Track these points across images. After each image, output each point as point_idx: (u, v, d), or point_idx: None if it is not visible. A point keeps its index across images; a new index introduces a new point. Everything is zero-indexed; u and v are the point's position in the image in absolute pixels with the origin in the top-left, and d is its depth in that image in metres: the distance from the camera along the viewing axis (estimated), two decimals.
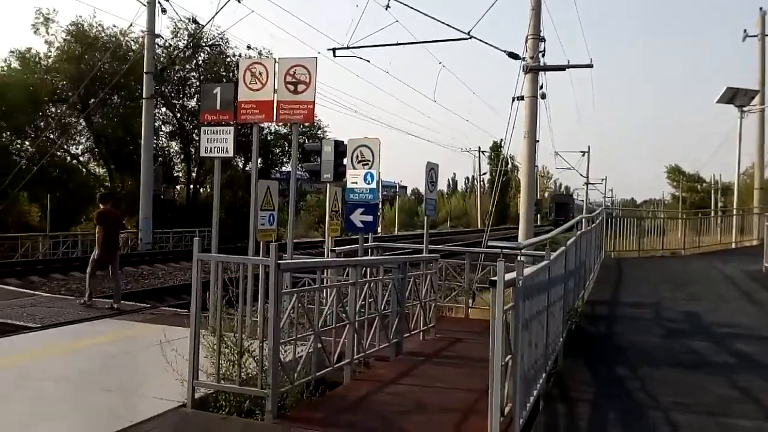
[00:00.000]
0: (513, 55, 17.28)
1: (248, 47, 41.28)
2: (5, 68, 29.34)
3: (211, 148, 7.14)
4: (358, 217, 6.88)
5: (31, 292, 10.85)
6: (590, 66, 17.00)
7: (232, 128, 7.07)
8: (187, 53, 32.19)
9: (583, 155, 64.86)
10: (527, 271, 4.07)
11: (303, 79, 6.64)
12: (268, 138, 39.65)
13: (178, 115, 35.77)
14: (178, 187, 37.91)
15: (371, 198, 6.90)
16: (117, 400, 4.62)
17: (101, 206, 10.21)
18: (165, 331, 7.10)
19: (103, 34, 30.59)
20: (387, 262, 6.56)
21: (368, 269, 6.00)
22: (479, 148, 74.37)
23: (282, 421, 4.19)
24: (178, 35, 32.09)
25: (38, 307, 9.03)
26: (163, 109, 34.44)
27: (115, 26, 32.20)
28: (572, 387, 5.32)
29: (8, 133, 28.00)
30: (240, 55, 36.06)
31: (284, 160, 41.02)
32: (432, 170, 8.07)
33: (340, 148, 9.18)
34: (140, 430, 3.98)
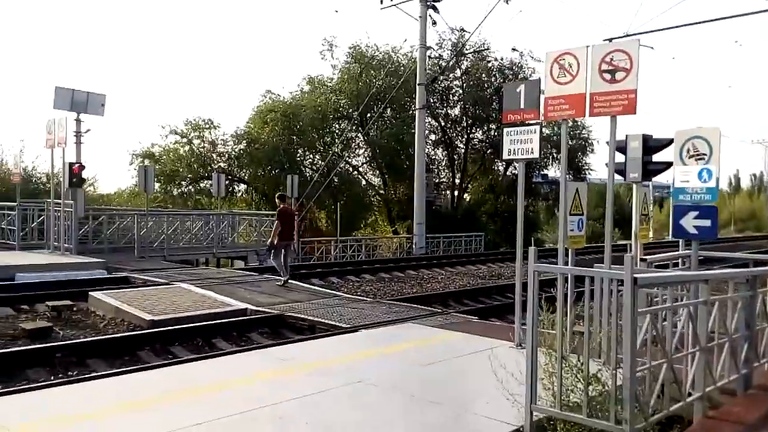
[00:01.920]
0: None
1: (513, 49, 40.88)
2: (299, 92, 33.62)
3: (514, 150, 6.75)
4: (690, 222, 5.83)
5: (334, 292, 11.77)
6: None
7: (537, 128, 6.58)
8: (450, 63, 33.17)
9: None
10: None
11: (622, 65, 5.84)
12: None
13: (442, 123, 37.05)
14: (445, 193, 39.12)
15: (709, 198, 5.79)
16: (448, 416, 4.41)
17: (280, 205, 12.61)
18: (468, 341, 6.97)
19: (377, 53, 33.13)
20: (737, 276, 5.40)
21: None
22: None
23: None
24: (443, 45, 33.28)
25: (344, 308, 9.65)
26: (429, 119, 36.00)
27: (387, 44, 34.74)
28: None
29: (303, 149, 31.98)
30: (501, 59, 36.02)
31: (547, 162, 39.76)
32: None
33: (649, 143, 8.11)
34: None
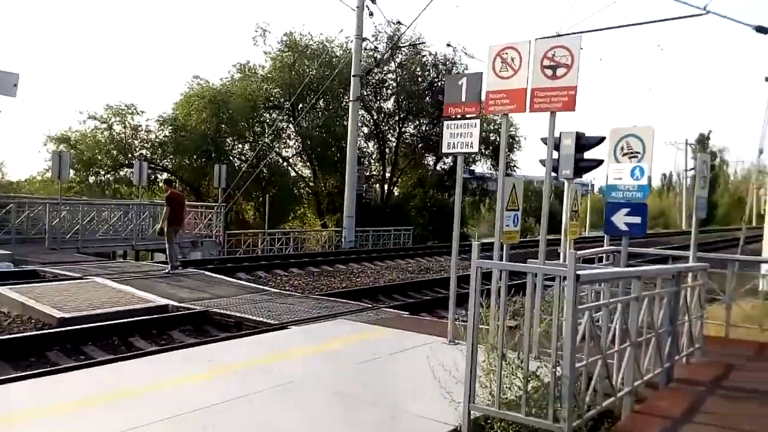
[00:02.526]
0: (762, 29, 14.76)
1: (448, 45, 41.26)
2: (229, 79, 32.56)
3: (454, 144, 6.64)
4: (621, 219, 5.91)
5: (261, 287, 11.39)
6: None
7: (477, 122, 6.50)
8: (386, 55, 33.06)
9: None
10: None
11: (563, 61, 5.83)
12: None
13: (375, 116, 36.96)
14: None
15: (640, 196, 5.88)
16: (384, 417, 4.24)
17: (168, 190, 12.90)
18: (401, 337, 6.82)
19: (312, 42, 32.56)
20: (665, 272, 5.51)
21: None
22: (686, 141, 67.13)
23: None
24: (378, 38, 33.12)
25: (272, 303, 9.32)
26: (362, 112, 35.84)
27: (321, 34, 34.24)
28: None
29: (232, 138, 31.02)
30: (435, 54, 36.26)
31: (475, 158, 40.42)
32: (704, 163, 6.79)
33: (581, 140, 8.22)
34: None
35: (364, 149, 37.32)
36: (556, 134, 8.57)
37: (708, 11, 14.92)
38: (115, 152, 29.37)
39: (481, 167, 42.19)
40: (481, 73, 6.61)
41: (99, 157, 28.60)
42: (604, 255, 8.51)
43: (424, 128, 39.11)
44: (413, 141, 39.70)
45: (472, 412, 3.98)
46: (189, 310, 8.68)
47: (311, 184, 35.31)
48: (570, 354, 3.52)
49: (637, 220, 5.84)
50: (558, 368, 3.62)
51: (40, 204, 17.52)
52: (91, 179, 29.86)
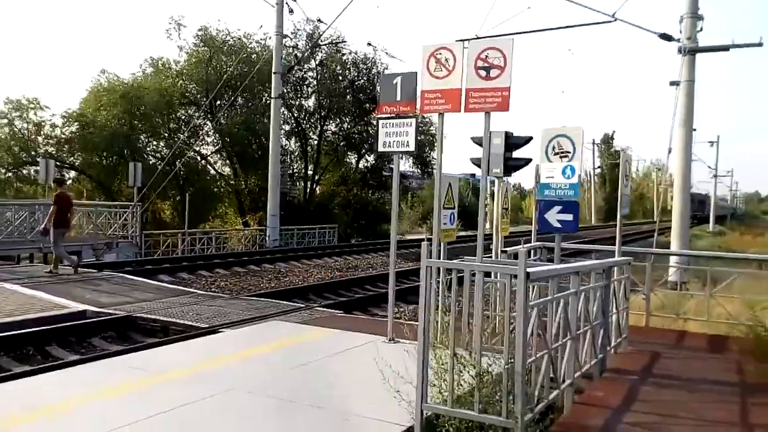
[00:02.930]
0: (666, 37, 15.76)
1: (368, 44, 41.33)
2: (141, 74, 31.14)
3: (390, 143, 6.63)
4: (554, 216, 6.10)
5: (187, 289, 10.96)
6: (759, 45, 15.12)
7: (413, 120, 6.52)
8: (306, 53, 32.71)
9: (712, 145, 60.00)
10: None
11: (496, 63, 5.93)
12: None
13: (296, 114, 36.51)
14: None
15: (572, 194, 6.10)
16: (334, 420, 4.15)
17: (57, 189, 12.48)
18: (339, 337, 6.74)
19: (229, 38, 31.67)
20: (599, 267, 5.75)
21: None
22: (593, 140, 70.84)
23: None
24: (297, 35, 32.71)
25: (199, 306, 8.99)
26: (282, 109, 35.32)
27: (239, 29, 33.37)
28: None
29: (145, 135, 29.66)
30: (356, 53, 36.26)
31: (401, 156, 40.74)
32: (627, 162, 7.14)
33: (510, 140, 8.46)
34: None
35: (286, 147, 36.79)
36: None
37: (616, 18, 15.81)
38: (16, 149, 27.38)
39: (404, 166, 42.64)
40: (416, 72, 6.63)
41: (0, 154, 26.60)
42: (531, 250, 8.80)
43: (345, 126, 39.09)
44: (335, 139, 39.59)
45: (425, 411, 3.98)
46: (110, 316, 8.20)
47: (232, 182, 34.40)
48: (523, 350, 3.59)
49: (569, 217, 6.05)
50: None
51: None
52: None
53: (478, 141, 8.94)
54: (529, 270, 3.60)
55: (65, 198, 12.23)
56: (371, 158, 41.10)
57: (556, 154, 6.23)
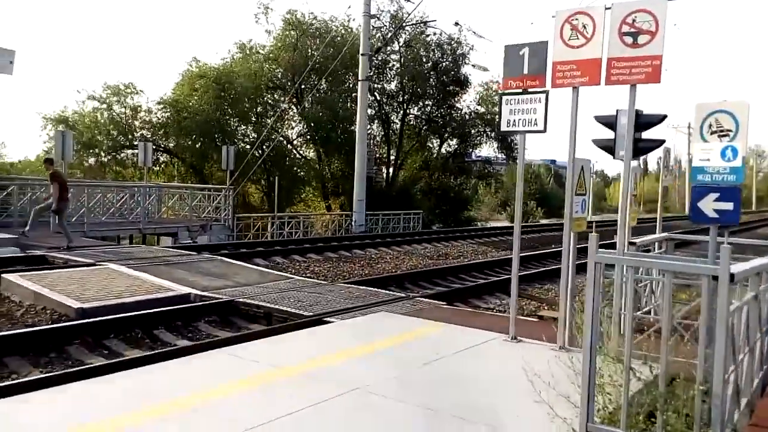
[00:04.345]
0: None
1: (455, 23, 40.33)
2: (229, 59, 31.67)
3: (514, 121, 6.02)
4: (710, 205, 5.31)
5: (284, 274, 10.82)
6: None
7: (543, 96, 5.86)
8: (389, 35, 32.20)
9: None
10: None
11: (646, 28, 5.20)
12: (464, 115, 38.71)
13: (378, 97, 36.18)
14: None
15: (734, 179, 5.29)
16: None
17: (51, 168, 12.77)
18: (454, 333, 6.23)
19: (314, 21, 31.65)
20: None
21: None
22: (689, 124, 66.48)
23: None
24: (381, 17, 32.23)
25: (299, 292, 8.75)
26: None
27: (324, 12, 33.27)
28: None
29: (235, 119, 30.20)
30: (441, 33, 35.41)
31: (482, 140, 39.75)
32: None
33: (641, 118, 7.60)
34: None
35: (369, 131, 36.64)
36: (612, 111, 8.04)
37: None
38: (114, 133, 28.57)
39: (486, 151, 41.53)
40: (546, 42, 5.96)
41: (99, 138, 27.79)
42: (656, 243, 7.96)
43: (428, 110, 38.43)
44: (417, 123, 39.03)
45: None
46: (214, 300, 8.09)
47: (316, 166, 34.59)
48: (723, 367, 2.95)
49: (728, 206, 5.24)
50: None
51: (43, 186, 16.80)
52: (91, 161, 29.09)
53: (604, 120, 8.13)
54: (733, 271, 2.95)
55: (62, 175, 13.05)
56: (454, 143, 40.25)
57: (713, 132, 5.43)
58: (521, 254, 16.02)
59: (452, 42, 35.48)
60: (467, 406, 4.02)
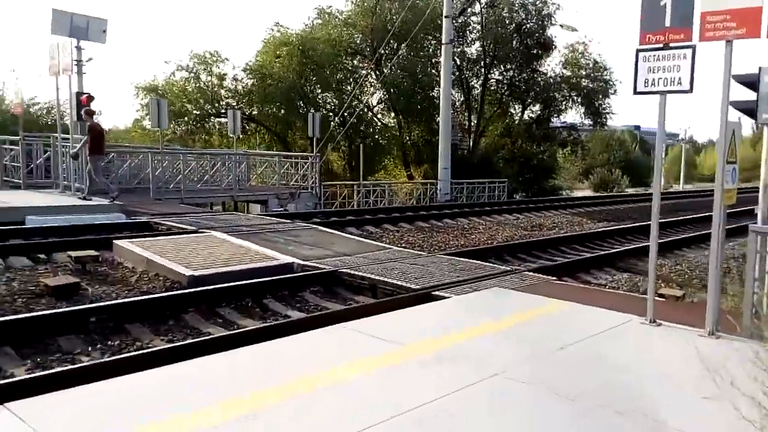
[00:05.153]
0: None
1: None
2: (311, 25, 31.59)
3: (653, 80, 5.41)
4: None
5: (380, 243, 10.66)
6: None
7: (689, 51, 5.23)
8: None
9: None
10: None
11: None
12: (549, 80, 37.20)
13: (458, 62, 35.25)
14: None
15: None
16: None
17: (89, 120, 13.39)
18: (582, 313, 5.79)
19: None
20: None
21: None
22: None
23: None
24: None
25: (400, 263, 8.54)
26: None
27: None
28: None
29: (317, 86, 30.24)
30: None
31: (567, 106, 38.17)
32: None
33: None
34: None
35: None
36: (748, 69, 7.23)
37: None
38: (202, 101, 29.25)
39: (572, 116, 39.83)
40: None
41: (188, 107, 28.55)
42: None
43: (510, 74, 37.17)
44: (498, 88, 37.88)
45: None
46: (317, 270, 8.00)
47: (396, 134, 34.30)
48: None
49: None
50: None
51: (140, 153, 17.39)
52: (179, 129, 29.99)
53: (743, 80, 7.32)
54: None
55: (98, 127, 13.61)
56: (536, 108, 38.86)
57: None
58: (618, 226, 15.31)
59: (537, 2, 33.92)
60: (621, 398, 3.65)
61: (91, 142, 13.04)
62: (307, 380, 3.81)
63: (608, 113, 38.57)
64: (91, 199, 12.96)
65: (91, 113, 13.67)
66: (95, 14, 15.36)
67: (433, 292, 6.89)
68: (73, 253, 7.88)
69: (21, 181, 15.26)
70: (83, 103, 14.25)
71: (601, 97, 38.11)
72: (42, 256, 8.45)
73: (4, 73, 49.58)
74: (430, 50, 33.69)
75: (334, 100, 30.49)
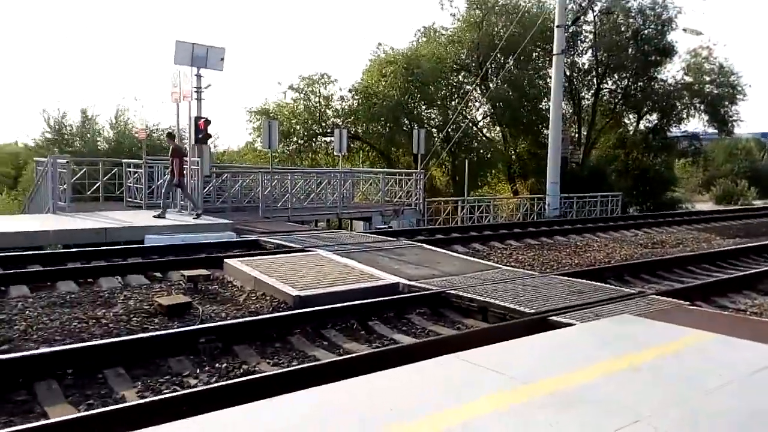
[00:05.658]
0: None
1: None
2: (415, 43, 31.70)
3: None
4: None
5: (487, 262, 10.17)
6: None
7: None
8: (584, 3, 29.88)
9: None
10: None
11: None
12: (668, 87, 34.93)
13: (568, 72, 33.90)
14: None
15: None
16: None
17: (172, 143, 13.84)
18: (734, 347, 4.99)
19: None
20: None
21: None
22: None
23: None
24: None
25: (510, 284, 8.03)
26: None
27: None
28: None
29: (421, 103, 30.21)
30: None
31: (689, 114, 35.63)
32: None
33: None
34: None
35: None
36: None
37: None
38: (310, 122, 30.06)
39: (694, 125, 37.11)
40: None
41: (296, 128, 29.44)
42: None
43: (624, 83, 35.31)
44: (612, 98, 36.09)
45: None
46: (423, 291, 7.67)
47: (501, 148, 33.50)
48: None
49: None
50: None
51: (251, 173, 17.98)
52: (288, 149, 30.97)
53: None
54: None
55: (182, 150, 14.00)
56: (653, 118, 36.59)
57: None
58: (753, 243, 13.75)
59: (656, 6, 32.01)
60: None
61: (180, 164, 13.67)
62: (437, 416, 3.46)
63: (735, 120, 35.58)
64: (199, 217, 13.57)
65: (172, 136, 14.15)
66: (212, 43, 15.99)
67: (549, 317, 6.35)
68: (186, 272, 8.06)
69: (142, 202, 16.20)
70: (201, 127, 14.93)
71: (727, 103, 35.25)
72: (158, 274, 8.76)
73: (130, 101, 53.71)
74: (539, 62, 32.73)
75: (438, 116, 30.28)
